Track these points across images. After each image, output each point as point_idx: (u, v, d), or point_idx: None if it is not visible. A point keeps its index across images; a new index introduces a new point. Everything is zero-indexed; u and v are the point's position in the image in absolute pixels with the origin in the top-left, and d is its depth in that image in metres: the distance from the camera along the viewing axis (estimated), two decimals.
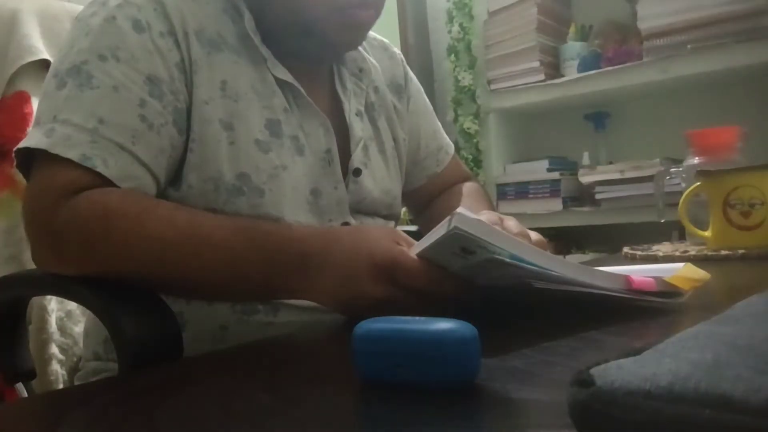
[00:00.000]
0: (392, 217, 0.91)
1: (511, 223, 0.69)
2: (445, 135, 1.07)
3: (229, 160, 0.71)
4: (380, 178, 0.87)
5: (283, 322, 0.71)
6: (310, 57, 0.81)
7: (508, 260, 0.50)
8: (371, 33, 0.96)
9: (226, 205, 0.71)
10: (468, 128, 2.19)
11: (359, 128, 0.85)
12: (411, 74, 1.01)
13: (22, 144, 0.67)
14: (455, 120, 2.23)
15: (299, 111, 0.78)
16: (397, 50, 1.01)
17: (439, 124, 1.07)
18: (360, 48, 0.89)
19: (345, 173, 0.82)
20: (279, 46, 0.78)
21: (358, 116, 0.85)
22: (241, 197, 0.71)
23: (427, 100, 1.04)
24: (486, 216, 0.70)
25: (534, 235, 0.71)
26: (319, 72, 0.85)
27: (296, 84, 0.77)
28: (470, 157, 2.20)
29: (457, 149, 2.20)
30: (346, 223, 0.80)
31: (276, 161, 0.74)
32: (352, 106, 0.85)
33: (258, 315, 0.71)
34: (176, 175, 0.72)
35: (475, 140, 2.20)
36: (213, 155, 0.71)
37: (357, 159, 0.83)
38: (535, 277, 0.50)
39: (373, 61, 0.92)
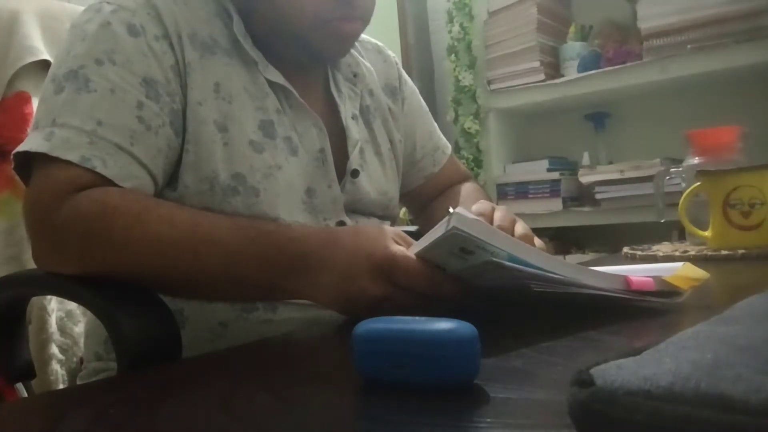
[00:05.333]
0: (388, 217, 0.91)
1: (500, 215, 0.69)
2: (441, 135, 1.07)
3: (224, 161, 0.72)
4: (377, 180, 0.87)
5: (282, 319, 0.72)
6: (299, 63, 0.81)
7: (506, 263, 0.50)
8: (365, 36, 0.96)
9: (221, 205, 0.71)
10: (469, 128, 2.19)
11: (355, 131, 0.85)
12: (405, 76, 1.01)
13: (21, 147, 0.67)
14: (455, 120, 2.23)
15: (292, 112, 0.79)
16: (391, 53, 1.01)
17: (436, 124, 1.07)
18: (354, 52, 0.89)
19: (342, 175, 0.82)
20: (270, 50, 0.78)
21: (354, 119, 0.86)
22: (237, 197, 0.72)
23: (422, 101, 1.05)
24: (480, 205, 0.71)
25: (520, 227, 0.70)
26: (313, 75, 0.85)
27: (288, 86, 0.78)
28: (471, 157, 2.21)
29: (458, 149, 2.21)
30: (342, 222, 0.80)
31: (270, 161, 0.74)
32: (347, 109, 0.86)
33: (257, 312, 0.72)
34: (173, 176, 0.72)
35: (475, 140, 2.20)
36: (208, 156, 0.71)
37: (354, 161, 0.83)
38: (534, 279, 0.50)
39: (368, 64, 0.93)
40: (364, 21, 0.78)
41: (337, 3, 0.73)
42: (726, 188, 0.92)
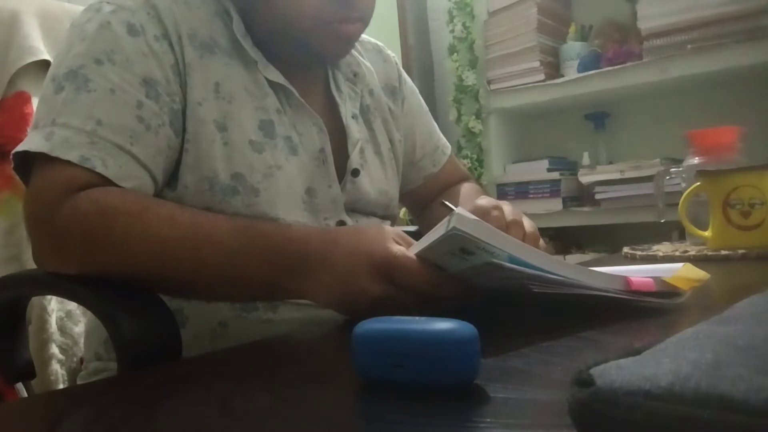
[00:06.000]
0: (389, 217, 0.91)
1: (507, 209, 0.70)
2: (441, 135, 1.07)
3: (224, 160, 0.72)
4: (377, 180, 0.87)
5: (282, 319, 0.72)
6: (298, 63, 0.81)
7: (506, 264, 0.50)
8: (365, 36, 0.96)
9: (221, 205, 0.71)
10: (472, 127, 2.19)
11: (356, 130, 0.85)
12: (405, 76, 1.01)
13: (20, 147, 0.67)
14: (458, 120, 2.23)
15: (292, 111, 0.79)
16: (390, 53, 1.01)
17: (435, 124, 1.07)
18: (354, 51, 0.89)
19: (343, 174, 0.82)
20: (270, 50, 0.78)
21: (354, 119, 0.86)
22: (236, 197, 0.72)
23: (422, 100, 1.05)
24: (483, 201, 0.71)
25: (528, 224, 0.70)
26: (313, 74, 0.85)
27: (288, 85, 0.78)
28: (474, 156, 2.21)
29: (460, 149, 2.21)
30: (342, 222, 0.80)
31: (270, 161, 0.74)
32: (347, 108, 0.86)
33: (257, 312, 0.72)
34: (172, 176, 0.72)
35: (478, 139, 2.20)
36: (208, 155, 0.71)
37: (355, 160, 0.83)
38: (534, 280, 0.50)
39: (368, 64, 0.93)
40: (364, 22, 0.78)
41: (336, 4, 0.73)
42: (726, 188, 0.92)
